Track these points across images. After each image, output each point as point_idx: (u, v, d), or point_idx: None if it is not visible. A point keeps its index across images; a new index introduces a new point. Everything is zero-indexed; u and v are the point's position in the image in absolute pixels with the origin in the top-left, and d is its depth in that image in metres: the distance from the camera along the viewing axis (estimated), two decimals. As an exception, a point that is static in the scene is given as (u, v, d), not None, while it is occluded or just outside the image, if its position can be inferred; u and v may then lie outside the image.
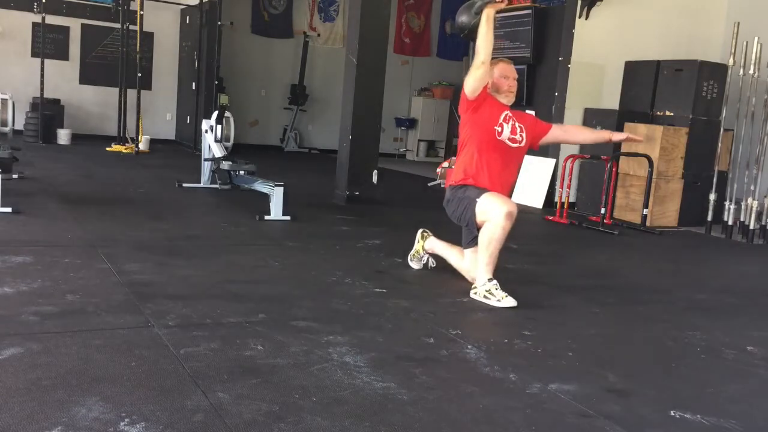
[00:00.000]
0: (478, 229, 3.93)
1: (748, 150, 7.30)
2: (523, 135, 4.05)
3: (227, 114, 7.51)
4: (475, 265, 3.97)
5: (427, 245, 4.45)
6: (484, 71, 3.86)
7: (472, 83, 3.90)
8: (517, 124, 4.04)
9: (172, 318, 3.12)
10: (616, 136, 4.39)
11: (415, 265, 4.52)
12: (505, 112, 4.02)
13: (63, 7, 12.09)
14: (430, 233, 4.50)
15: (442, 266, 4.43)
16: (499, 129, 3.97)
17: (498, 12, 3.93)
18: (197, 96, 11.90)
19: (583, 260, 5.55)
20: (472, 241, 4.05)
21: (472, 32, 3.95)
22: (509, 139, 4.00)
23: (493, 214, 3.81)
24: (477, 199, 3.90)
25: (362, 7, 7.13)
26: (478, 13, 3.87)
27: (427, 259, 4.53)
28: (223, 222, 5.74)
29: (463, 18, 3.99)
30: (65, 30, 12.23)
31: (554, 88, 8.33)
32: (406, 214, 7.20)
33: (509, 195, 4.14)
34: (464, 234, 4.13)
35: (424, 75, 15.04)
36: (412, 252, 4.53)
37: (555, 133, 4.25)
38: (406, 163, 13.80)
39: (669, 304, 4.30)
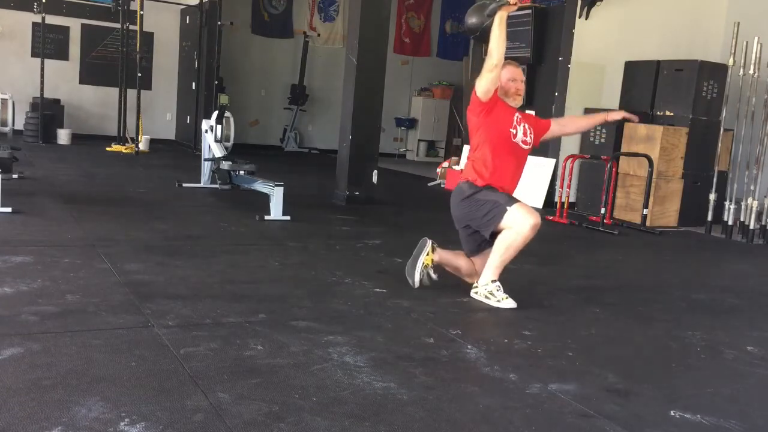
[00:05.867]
0: (493, 235, 3.86)
1: (748, 150, 7.30)
2: (531, 136, 4.04)
3: (227, 114, 7.51)
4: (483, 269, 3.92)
5: (436, 257, 4.09)
6: (497, 74, 3.81)
7: (485, 85, 3.82)
8: (526, 126, 4.02)
9: (172, 318, 3.12)
10: (612, 116, 4.38)
11: (417, 277, 4.03)
12: (516, 115, 4.00)
13: (63, 7, 12.09)
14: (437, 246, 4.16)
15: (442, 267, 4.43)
16: (514, 132, 3.95)
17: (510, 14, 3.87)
18: (197, 96, 11.91)
19: (583, 260, 5.55)
20: (480, 247, 4.00)
21: (483, 34, 3.86)
22: (522, 141, 3.98)
23: (519, 223, 3.74)
24: (508, 207, 3.78)
25: (362, 7, 7.14)
26: (491, 15, 3.77)
27: (432, 272, 4.10)
28: (223, 222, 5.73)
29: (473, 20, 3.90)
30: (65, 30, 12.24)
31: (554, 88, 8.32)
32: (406, 214, 7.20)
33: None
34: (469, 240, 4.04)
35: (424, 75, 15.03)
36: (420, 265, 4.03)
37: (553, 129, 4.23)
38: (406, 163, 13.79)
39: (669, 304, 4.30)
